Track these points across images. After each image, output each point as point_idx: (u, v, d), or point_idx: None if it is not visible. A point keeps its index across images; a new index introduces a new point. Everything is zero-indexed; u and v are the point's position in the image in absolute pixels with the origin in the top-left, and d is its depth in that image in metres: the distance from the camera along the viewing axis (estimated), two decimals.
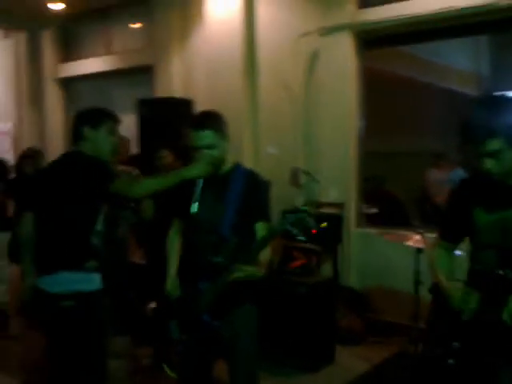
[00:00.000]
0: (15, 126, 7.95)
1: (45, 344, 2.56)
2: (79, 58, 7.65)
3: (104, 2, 6.89)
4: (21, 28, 7.76)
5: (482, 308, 1.86)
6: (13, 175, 5.10)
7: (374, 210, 5.75)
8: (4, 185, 4.83)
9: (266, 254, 2.21)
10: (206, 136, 2.27)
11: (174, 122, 5.11)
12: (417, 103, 7.83)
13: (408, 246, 3.61)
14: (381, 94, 6.19)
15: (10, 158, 6.72)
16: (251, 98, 5.34)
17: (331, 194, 4.89)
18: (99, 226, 2.59)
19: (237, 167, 2.41)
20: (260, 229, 2.30)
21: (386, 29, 4.75)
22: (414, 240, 3.51)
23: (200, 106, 5.01)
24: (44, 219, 2.54)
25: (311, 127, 5.12)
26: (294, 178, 5.18)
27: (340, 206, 4.82)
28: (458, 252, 2.18)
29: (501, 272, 1.80)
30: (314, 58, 5.06)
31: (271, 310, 3.71)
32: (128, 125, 6.25)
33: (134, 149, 5.84)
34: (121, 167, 4.96)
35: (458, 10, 4.25)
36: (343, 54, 4.85)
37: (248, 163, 5.08)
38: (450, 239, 2.13)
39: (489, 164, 1.77)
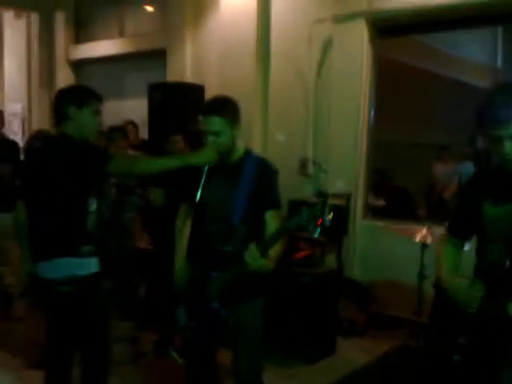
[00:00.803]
0: (25, 108, 7.96)
1: (46, 327, 2.57)
2: (91, 40, 7.64)
3: None
4: (33, 9, 7.74)
5: (488, 301, 1.83)
6: (22, 157, 5.12)
7: (381, 203, 5.72)
8: (13, 166, 4.84)
9: (276, 249, 2.19)
10: (214, 122, 2.25)
11: (184, 108, 5.09)
12: (429, 95, 7.74)
13: (413, 240, 3.58)
14: (393, 84, 6.11)
15: (19, 139, 6.76)
16: (263, 84, 5.30)
17: (338, 185, 4.86)
18: (93, 209, 2.53)
19: (248, 155, 2.39)
20: (270, 218, 2.29)
21: (400, 17, 4.69)
22: (421, 234, 3.48)
23: (211, 91, 4.98)
24: (37, 205, 2.50)
25: (322, 116, 5.08)
26: (303, 167, 5.16)
27: (347, 197, 4.79)
28: (466, 246, 2.14)
29: (508, 264, 1.77)
30: (327, 45, 5.01)
31: (274, 300, 3.70)
32: (139, 109, 6.26)
33: (145, 134, 5.85)
34: (130, 152, 4.99)
35: (473, 0, 4.16)
36: (357, 42, 4.79)
37: (256, 150, 5.06)
38: (458, 235, 2.11)
39: (508, 148, 1.74)
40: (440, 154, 7.20)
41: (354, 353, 4.02)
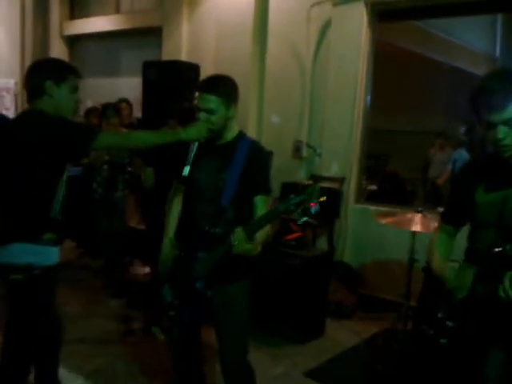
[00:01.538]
0: (18, 83, 7.86)
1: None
2: (86, 15, 7.52)
3: None
4: None
5: (478, 284, 1.84)
6: None
7: (373, 187, 5.73)
8: None
9: (263, 233, 2.18)
10: (209, 100, 2.22)
11: (179, 86, 5.04)
12: (426, 81, 7.71)
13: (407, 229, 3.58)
14: (390, 69, 6.08)
15: (10, 115, 6.68)
16: (259, 65, 5.25)
17: (332, 168, 4.85)
18: (60, 195, 2.36)
19: (241, 136, 2.36)
20: (259, 202, 2.27)
21: (399, 2, 4.63)
22: (412, 222, 3.47)
23: (207, 71, 4.92)
24: (1, 185, 2.33)
25: (317, 98, 5.05)
26: (297, 150, 5.15)
27: (340, 180, 4.79)
28: None
29: (498, 249, 1.78)
30: (325, 27, 4.96)
31: (264, 281, 3.72)
32: (133, 87, 6.20)
33: (138, 113, 5.80)
34: (123, 130, 4.95)
35: None
36: (355, 26, 4.73)
37: (251, 131, 5.04)
38: (452, 222, 2.11)
39: (502, 133, 1.73)
40: (436, 141, 7.21)
41: (342, 334, 4.05)
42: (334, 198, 4.64)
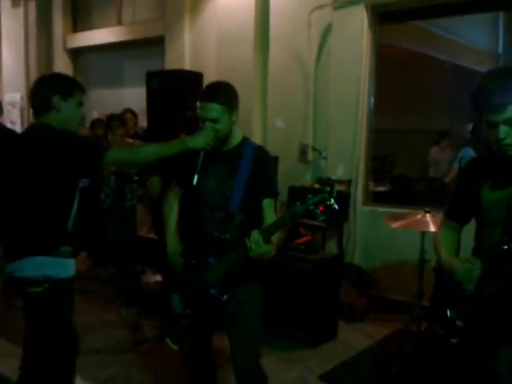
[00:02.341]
0: (24, 97, 7.93)
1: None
2: (89, 28, 7.59)
3: None
4: None
5: (486, 282, 1.83)
6: None
7: (381, 188, 5.72)
8: None
9: (277, 235, 2.19)
10: (212, 109, 2.24)
11: (183, 95, 5.06)
12: (429, 80, 7.70)
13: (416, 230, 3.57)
14: (393, 71, 6.07)
15: (17, 129, 6.74)
16: (261, 71, 5.27)
17: (339, 171, 4.86)
18: (74, 210, 2.41)
19: (245, 142, 2.38)
20: (267, 205, 2.29)
21: (400, 3, 4.64)
22: (421, 223, 3.46)
23: (210, 78, 4.94)
24: (16, 200, 2.35)
25: (321, 102, 5.06)
26: (302, 154, 5.15)
27: (347, 183, 4.79)
28: None
29: (506, 247, 1.78)
30: (326, 31, 4.97)
31: (275, 285, 3.72)
32: (138, 98, 6.24)
33: (143, 122, 5.83)
34: (128, 140, 4.98)
35: None
36: (357, 28, 4.74)
37: (256, 137, 5.06)
38: (456, 218, 2.11)
39: (504, 133, 1.73)
40: (438, 140, 7.21)
41: (355, 337, 4.04)
42: (342, 201, 4.63)
